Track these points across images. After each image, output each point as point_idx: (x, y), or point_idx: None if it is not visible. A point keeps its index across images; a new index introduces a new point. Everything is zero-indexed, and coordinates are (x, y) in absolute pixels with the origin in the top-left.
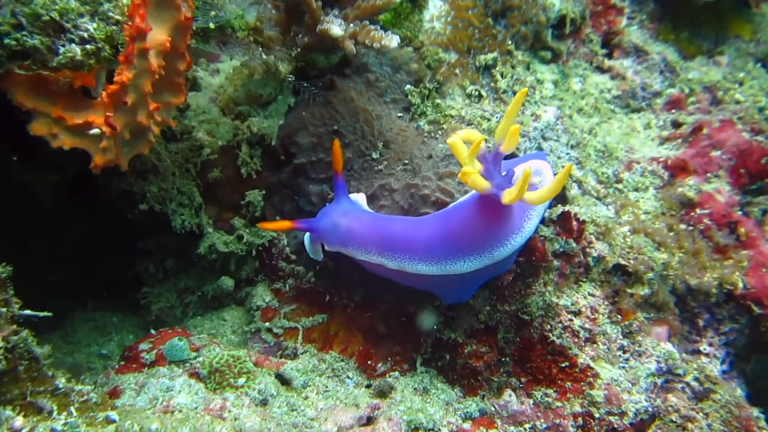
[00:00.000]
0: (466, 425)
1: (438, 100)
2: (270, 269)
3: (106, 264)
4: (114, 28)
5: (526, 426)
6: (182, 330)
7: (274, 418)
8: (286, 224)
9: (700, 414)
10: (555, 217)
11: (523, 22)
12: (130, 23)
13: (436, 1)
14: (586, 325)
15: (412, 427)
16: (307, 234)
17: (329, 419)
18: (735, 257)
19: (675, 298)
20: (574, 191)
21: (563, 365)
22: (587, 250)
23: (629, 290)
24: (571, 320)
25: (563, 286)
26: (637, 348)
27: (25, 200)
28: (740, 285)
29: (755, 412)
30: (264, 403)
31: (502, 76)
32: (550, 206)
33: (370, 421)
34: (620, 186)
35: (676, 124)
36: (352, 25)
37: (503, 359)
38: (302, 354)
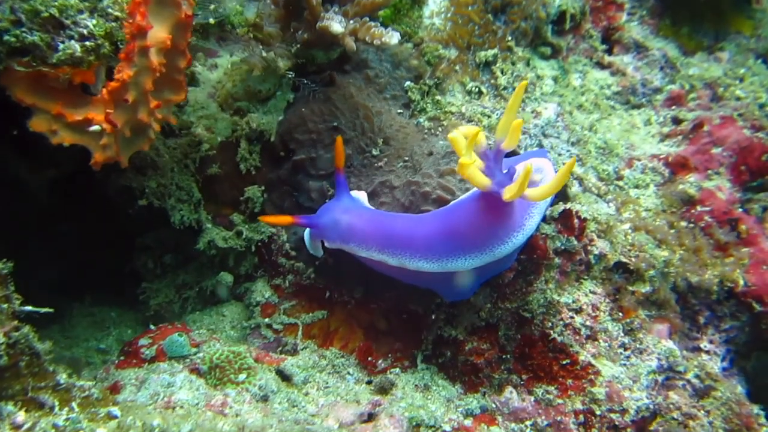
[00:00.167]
0: (468, 422)
1: (438, 97)
2: (269, 265)
3: (105, 259)
4: (113, 24)
5: (527, 423)
6: (182, 325)
7: (275, 414)
8: (286, 219)
9: (701, 411)
10: (556, 215)
11: (523, 18)
12: (130, 21)
13: None
14: (588, 323)
15: (414, 423)
16: (307, 230)
17: (330, 415)
18: (736, 254)
19: (676, 296)
20: (575, 188)
21: (564, 362)
22: (588, 247)
23: (630, 288)
24: (572, 318)
25: (564, 284)
26: (638, 345)
27: (22, 196)
28: (741, 282)
29: (756, 409)
30: (265, 399)
31: (502, 72)
32: (552, 204)
33: (371, 417)
34: (621, 183)
35: (677, 121)
36: (352, 21)
37: (504, 356)
38: (302, 350)
